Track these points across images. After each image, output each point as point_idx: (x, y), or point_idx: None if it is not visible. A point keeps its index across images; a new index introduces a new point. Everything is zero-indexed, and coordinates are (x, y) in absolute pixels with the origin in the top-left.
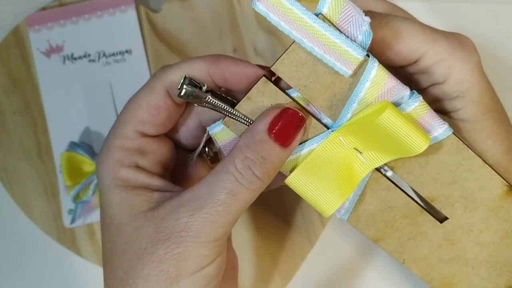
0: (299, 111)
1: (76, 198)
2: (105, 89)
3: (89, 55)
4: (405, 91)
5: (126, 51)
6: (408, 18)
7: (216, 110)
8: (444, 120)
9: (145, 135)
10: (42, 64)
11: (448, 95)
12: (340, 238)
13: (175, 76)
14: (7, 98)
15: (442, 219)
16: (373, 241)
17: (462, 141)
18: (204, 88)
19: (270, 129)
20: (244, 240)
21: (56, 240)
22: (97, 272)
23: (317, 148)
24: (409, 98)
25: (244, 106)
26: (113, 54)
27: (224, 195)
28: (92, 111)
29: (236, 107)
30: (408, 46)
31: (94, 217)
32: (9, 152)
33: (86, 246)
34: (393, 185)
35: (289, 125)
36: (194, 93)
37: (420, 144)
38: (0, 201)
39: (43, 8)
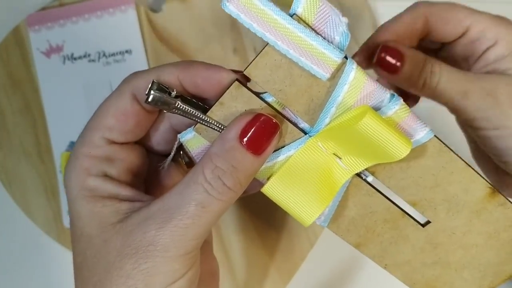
0: (273, 118)
1: None
2: (105, 89)
3: (89, 55)
4: (385, 94)
5: (126, 51)
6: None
7: (187, 117)
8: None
9: (112, 142)
10: (42, 64)
11: (502, 56)
12: (340, 238)
13: (144, 81)
14: (7, 98)
15: (424, 223)
16: (354, 247)
17: (444, 144)
18: (174, 93)
19: (241, 136)
20: (243, 240)
21: (56, 240)
22: None
23: (294, 155)
24: (390, 101)
25: (216, 112)
26: (113, 54)
27: (193, 207)
28: (92, 111)
29: (208, 113)
30: (455, 17)
31: None
32: (9, 152)
33: None
34: (374, 190)
35: (262, 132)
36: (162, 99)
37: (401, 150)
38: (0, 201)
39: (43, 8)
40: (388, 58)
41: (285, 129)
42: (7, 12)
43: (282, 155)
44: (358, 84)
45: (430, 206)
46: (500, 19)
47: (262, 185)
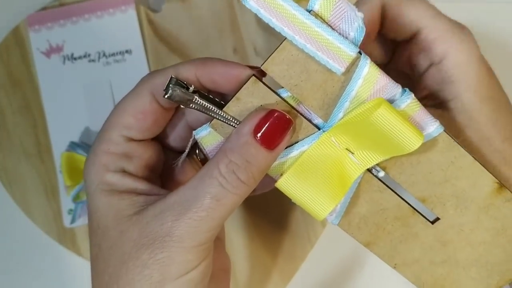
0: (286, 114)
1: (76, 198)
2: (105, 89)
3: (89, 55)
4: (397, 88)
5: (126, 51)
6: None
7: (203, 112)
8: (440, 113)
9: (131, 139)
10: (42, 64)
11: (445, 78)
12: (340, 238)
13: (162, 80)
14: (7, 98)
15: (433, 220)
16: (364, 246)
17: (453, 138)
18: (191, 88)
19: (255, 132)
20: (243, 241)
21: (56, 240)
22: None
23: (308, 150)
24: (402, 95)
25: (233, 108)
26: (113, 54)
27: (208, 200)
28: (92, 111)
29: (224, 109)
30: (408, 15)
31: None
32: (9, 152)
33: (86, 246)
34: (385, 186)
35: (275, 127)
36: (180, 94)
37: (414, 141)
38: (0, 201)
39: (43, 8)
40: None
41: (299, 124)
42: (7, 12)
43: (296, 151)
44: (372, 79)
45: (439, 202)
46: (459, 30)
47: (273, 184)
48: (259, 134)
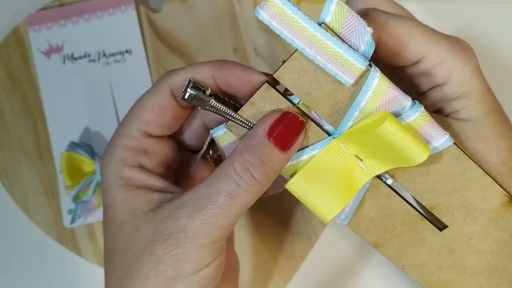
0: (300, 116)
1: (76, 198)
2: (105, 89)
3: (89, 55)
4: (407, 101)
5: (126, 51)
6: (411, 19)
7: (219, 114)
8: (446, 121)
9: (149, 135)
10: (42, 64)
11: (448, 97)
12: (340, 238)
13: (181, 78)
14: (7, 98)
15: (442, 227)
16: (373, 246)
17: (463, 151)
18: (208, 92)
19: (270, 133)
20: (244, 241)
21: (56, 240)
22: (97, 272)
23: (318, 154)
24: (410, 109)
25: (247, 111)
26: (113, 54)
27: (222, 197)
28: (92, 111)
29: (238, 112)
30: (410, 47)
31: (94, 217)
32: (9, 152)
33: (86, 246)
34: (393, 192)
35: (289, 129)
36: (197, 97)
37: (419, 155)
38: (0, 201)
39: (43, 8)
40: None
41: (310, 129)
42: (7, 12)
43: (306, 154)
44: (381, 91)
45: (447, 211)
46: (459, 50)
47: (283, 186)
48: (273, 135)
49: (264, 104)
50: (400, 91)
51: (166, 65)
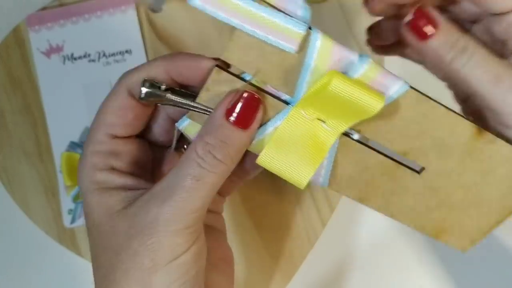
0: (254, 93)
1: (76, 198)
2: (105, 89)
3: (89, 55)
4: (354, 56)
5: (126, 51)
6: None
7: (178, 106)
8: None
9: (115, 137)
10: (42, 64)
11: None
12: (340, 238)
13: (136, 78)
14: (7, 98)
15: (419, 170)
16: (358, 201)
17: (421, 93)
18: (163, 87)
19: (227, 114)
20: (244, 240)
21: (56, 240)
22: None
23: (281, 125)
24: (358, 62)
25: (204, 98)
26: (113, 54)
27: (189, 181)
28: (92, 111)
29: (196, 100)
30: None
31: None
32: (9, 152)
33: (86, 246)
34: (363, 146)
35: (246, 107)
36: (154, 93)
37: (374, 104)
38: (0, 201)
39: (43, 8)
40: (421, 22)
41: (269, 103)
42: (7, 12)
43: (270, 127)
44: (326, 51)
45: (421, 153)
46: None
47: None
48: (231, 116)
49: (219, 88)
50: (345, 47)
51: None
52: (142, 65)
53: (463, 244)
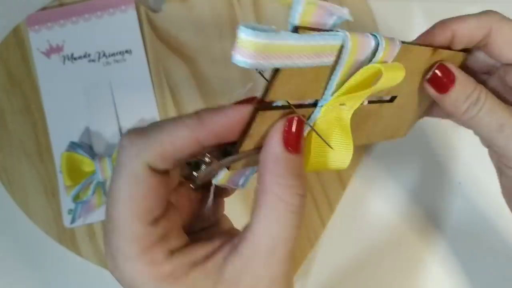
0: (300, 116)
1: (76, 198)
2: (105, 89)
3: (89, 55)
4: (371, 41)
5: (126, 51)
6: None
7: (227, 168)
8: None
9: (157, 220)
10: (42, 64)
11: None
12: (340, 238)
13: (153, 150)
14: (7, 98)
15: (391, 99)
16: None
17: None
18: (207, 159)
19: (285, 145)
20: None
21: (56, 240)
22: (97, 272)
23: (317, 125)
24: (375, 44)
25: (248, 145)
26: (113, 54)
27: (294, 231)
28: (92, 111)
29: (240, 150)
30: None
31: (94, 217)
32: (9, 152)
33: (86, 246)
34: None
35: (298, 133)
36: (208, 173)
37: (400, 75)
38: (0, 201)
39: (43, 8)
40: (441, 76)
41: (304, 111)
42: (7, 12)
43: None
44: (355, 48)
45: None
46: None
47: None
48: (287, 144)
49: (261, 128)
50: (365, 36)
51: (166, 65)
52: (157, 132)
53: (401, 134)
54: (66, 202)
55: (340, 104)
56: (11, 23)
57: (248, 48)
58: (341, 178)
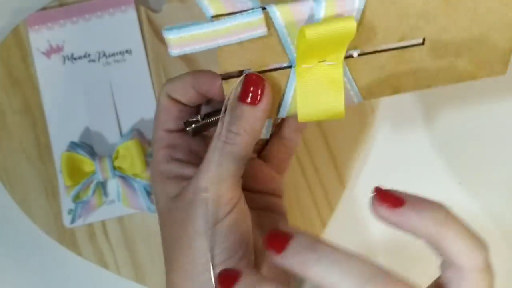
0: (254, 73)
1: (76, 198)
2: (105, 89)
3: (89, 55)
4: (309, 2)
5: (126, 51)
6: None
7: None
8: None
9: (171, 131)
10: (42, 64)
11: None
12: (340, 238)
13: (170, 86)
14: (7, 98)
15: (422, 41)
16: (395, 93)
17: None
18: (198, 117)
19: (240, 98)
20: None
21: (56, 240)
22: (97, 272)
23: (297, 84)
24: (316, 5)
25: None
26: (113, 54)
27: (215, 155)
28: (92, 111)
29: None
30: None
31: (94, 217)
32: (9, 152)
33: (86, 246)
34: (366, 55)
35: (249, 85)
36: (198, 127)
37: (349, 26)
38: (0, 201)
39: (43, 8)
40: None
41: (278, 75)
42: (7, 12)
43: (291, 91)
44: (288, 15)
45: (414, 30)
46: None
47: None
48: (242, 98)
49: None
50: (299, 1)
51: (166, 65)
52: (175, 77)
53: (498, 71)
54: (66, 202)
55: (320, 61)
56: (11, 23)
57: (173, 42)
58: (341, 178)
